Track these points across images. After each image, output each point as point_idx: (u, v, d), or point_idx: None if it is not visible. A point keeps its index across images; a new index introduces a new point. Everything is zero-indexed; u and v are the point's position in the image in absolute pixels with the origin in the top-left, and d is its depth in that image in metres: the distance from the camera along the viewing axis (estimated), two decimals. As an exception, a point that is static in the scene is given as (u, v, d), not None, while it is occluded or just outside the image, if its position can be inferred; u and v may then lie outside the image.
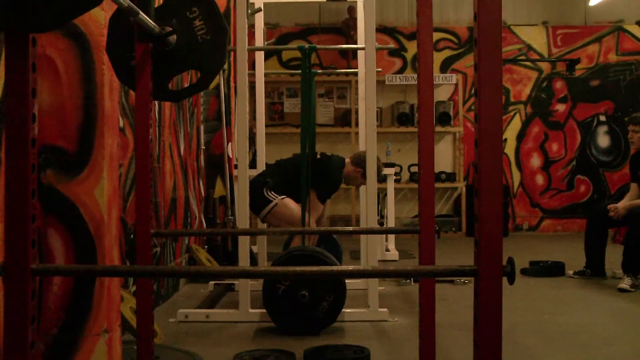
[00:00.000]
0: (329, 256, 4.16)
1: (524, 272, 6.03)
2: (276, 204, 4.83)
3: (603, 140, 9.95)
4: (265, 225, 5.19)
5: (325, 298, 3.96)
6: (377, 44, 4.46)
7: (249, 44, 4.42)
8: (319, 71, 8.06)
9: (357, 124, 8.54)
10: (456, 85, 9.72)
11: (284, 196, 4.87)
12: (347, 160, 5.28)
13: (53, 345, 2.53)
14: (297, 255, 4.15)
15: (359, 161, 5.09)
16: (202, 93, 6.32)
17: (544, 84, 9.96)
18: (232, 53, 5.98)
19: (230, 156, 6.64)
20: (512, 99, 9.93)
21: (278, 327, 4.04)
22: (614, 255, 5.76)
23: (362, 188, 5.44)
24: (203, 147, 6.44)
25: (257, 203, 4.84)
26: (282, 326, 4.02)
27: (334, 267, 1.76)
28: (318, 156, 5.11)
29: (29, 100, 1.62)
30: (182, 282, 5.47)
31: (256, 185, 4.87)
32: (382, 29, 9.63)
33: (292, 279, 3.89)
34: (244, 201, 4.40)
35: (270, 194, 4.88)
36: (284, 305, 3.97)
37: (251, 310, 4.31)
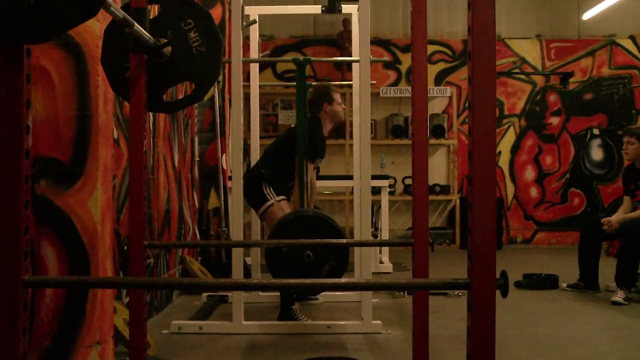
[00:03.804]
0: (331, 218, 4.13)
1: (517, 285, 6.03)
2: (272, 204, 4.73)
3: (596, 154, 9.98)
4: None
5: (329, 262, 3.90)
6: (371, 56, 4.47)
7: (243, 56, 4.43)
8: (314, 83, 8.07)
9: (351, 136, 8.54)
10: (450, 97, 9.75)
11: (282, 197, 4.77)
12: (319, 114, 5.15)
13: (45, 357, 2.52)
14: (304, 216, 4.09)
15: (319, 100, 4.99)
16: (196, 105, 6.33)
17: (538, 97, 10.00)
18: (226, 65, 5.99)
19: (225, 168, 6.63)
20: (506, 112, 9.96)
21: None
22: (607, 269, 5.77)
23: (356, 200, 5.41)
24: (197, 158, 6.44)
25: (256, 199, 4.76)
26: (284, 290, 4.00)
27: (329, 280, 1.76)
28: (292, 125, 5.08)
29: (22, 112, 1.62)
30: (175, 294, 5.46)
31: (255, 180, 4.76)
32: (376, 42, 9.65)
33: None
34: (238, 213, 4.39)
35: (268, 191, 4.77)
36: (286, 267, 3.90)
37: (245, 322, 4.29)
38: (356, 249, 5.31)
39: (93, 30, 2.59)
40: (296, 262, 3.89)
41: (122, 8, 2.31)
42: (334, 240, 3.85)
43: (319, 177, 6.84)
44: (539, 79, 10.00)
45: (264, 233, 7.09)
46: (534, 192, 9.97)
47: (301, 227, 3.94)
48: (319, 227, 3.97)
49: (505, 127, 9.98)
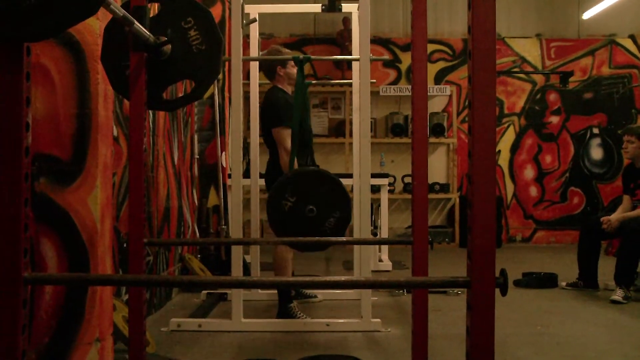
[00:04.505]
0: (328, 172, 4.09)
1: (516, 283, 6.03)
2: None
3: (596, 153, 9.98)
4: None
5: (333, 214, 3.86)
6: (371, 55, 4.47)
7: (243, 54, 4.42)
8: (314, 82, 8.07)
9: (351, 135, 8.55)
10: (450, 96, 9.75)
11: None
12: (274, 83, 4.99)
13: (44, 354, 2.52)
14: (301, 173, 4.02)
15: (273, 65, 4.91)
16: (196, 103, 6.32)
17: (538, 96, 10.00)
18: (226, 63, 5.99)
19: (224, 166, 6.63)
20: (506, 111, 9.96)
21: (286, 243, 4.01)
22: (606, 267, 5.77)
23: (355, 198, 5.40)
24: (197, 156, 6.44)
25: None
26: (291, 244, 3.96)
27: (327, 278, 1.77)
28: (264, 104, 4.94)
29: (22, 109, 1.62)
30: (174, 292, 5.46)
31: (276, 171, 4.75)
32: (376, 40, 9.65)
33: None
34: (238, 211, 4.39)
35: None
36: (290, 223, 3.81)
37: (244, 320, 4.30)
38: (355, 247, 5.31)
39: (93, 29, 2.59)
40: (299, 219, 3.83)
41: (122, 6, 2.31)
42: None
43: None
44: (538, 78, 10.01)
45: (263, 231, 7.09)
46: (533, 191, 9.97)
47: (300, 184, 3.88)
48: (317, 181, 3.90)
49: (505, 126, 9.99)
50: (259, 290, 5.20)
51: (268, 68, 4.94)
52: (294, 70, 4.90)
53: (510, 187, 9.96)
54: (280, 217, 3.83)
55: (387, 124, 9.77)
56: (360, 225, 4.51)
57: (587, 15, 9.64)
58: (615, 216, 5.69)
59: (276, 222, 3.85)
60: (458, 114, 9.84)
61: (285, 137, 4.60)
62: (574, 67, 9.90)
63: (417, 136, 2.67)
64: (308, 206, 3.78)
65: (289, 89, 4.93)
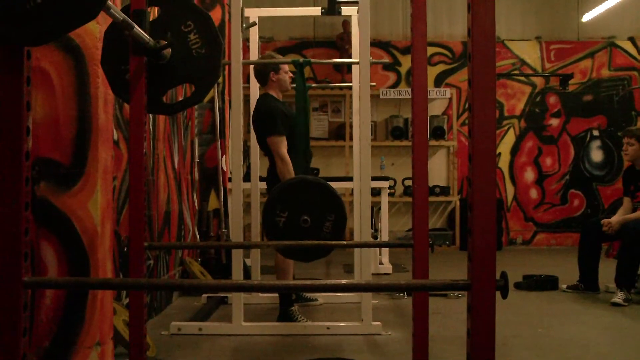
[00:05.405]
0: (314, 178, 4.06)
1: (517, 286, 6.03)
2: None
3: (596, 155, 9.98)
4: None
5: (327, 218, 3.83)
6: (371, 58, 4.47)
7: (243, 58, 4.43)
8: (313, 85, 8.07)
9: (351, 138, 8.55)
10: (450, 99, 9.75)
11: None
12: (265, 90, 4.92)
13: (45, 357, 2.52)
14: (288, 186, 3.97)
15: (266, 69, 4.86)
16: (196, 106, 6.32)
17: (538, 99, 10.00)
18: (226, 67, 5.99)
19: (224, 169, 6.64)
20: (506, 114, 9.97)
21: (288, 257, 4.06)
22: (607, 270, 5.77)
23: (356, 202, 5.41)
24: (197, 160, 6.44)
25: None
26: (292, 257, 3.97)
27: (328, 281, 1.77)
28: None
29: (23, 113, 1.63)
30: (175, 295, 5.46)
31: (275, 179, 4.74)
32: (376, 43, 9.65)
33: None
34: (238, 214, 4.39)
35: None
36: (288, 237, 3.77)
37: (244, 324, 4.29)
38: (356, 251, 5.30)
39: (93, 33, 2.59)
40: (296, 232, 3.80)
41: (122, 10, 2.31)
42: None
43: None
44: (538, 81, 10.01)
45: (263, 235, 7.09)
46: (533, 193, 9.97)
47: (287, 198, 3.85)
48: (303, 189, 3.87)
49: (505, 128, 9.98)
50: (260, 294, 5.20)
51: (261, 73, 4.91)
52: (286, 77, 4.88)
53: (510, 190, 9.95)
54: (277, 235, 3.84)
55: (387, 127, 9.77)
56: (360, 228, 4.51)
57: (586, 17, 9.65)
58: (616, 218, 5.68)
59: (275, 239, 3.86)
60: (458, 117, 9.85)
61: (281, 145, 4.60)
62: (574, 69, 9.91)
63: (417, 139, 2.67)
64: (301, 217, 3.78)
65: (280, 96, 4.91)
